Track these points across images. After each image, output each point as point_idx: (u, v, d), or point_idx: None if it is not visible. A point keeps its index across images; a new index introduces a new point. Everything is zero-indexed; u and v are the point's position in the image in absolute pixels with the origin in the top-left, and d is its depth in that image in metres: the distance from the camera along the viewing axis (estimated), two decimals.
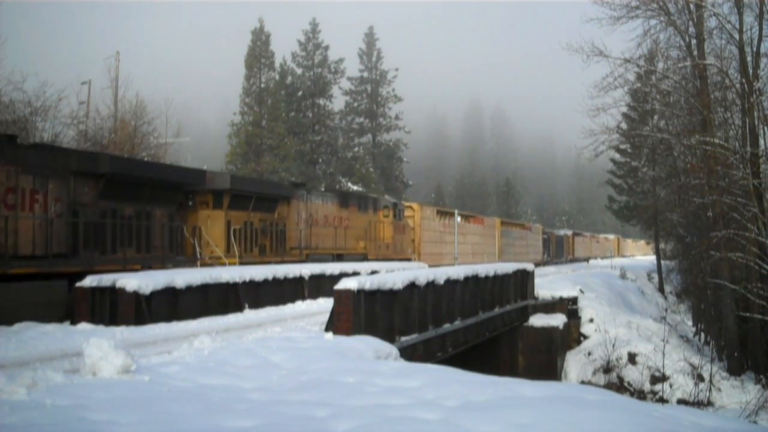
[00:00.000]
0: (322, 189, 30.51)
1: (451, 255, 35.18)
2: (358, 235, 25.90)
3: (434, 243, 33.77)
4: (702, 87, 22.65)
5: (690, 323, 34.21)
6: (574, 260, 64.58)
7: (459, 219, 38.85)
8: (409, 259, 29.00)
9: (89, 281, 12.42)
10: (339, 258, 23.54)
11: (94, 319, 12.21)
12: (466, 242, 38.32)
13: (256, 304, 15.15)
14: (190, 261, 17.49)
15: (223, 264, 17.57)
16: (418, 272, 14.32)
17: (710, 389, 20.37)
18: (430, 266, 22.99)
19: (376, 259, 25.26)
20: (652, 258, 54.37)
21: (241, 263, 18.21)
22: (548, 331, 22.74)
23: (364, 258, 25.07)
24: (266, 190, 21.04)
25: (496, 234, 44.32)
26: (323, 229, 23.66)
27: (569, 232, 69.11)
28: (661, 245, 42.85)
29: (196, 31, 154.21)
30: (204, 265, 17.37)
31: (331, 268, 18.60)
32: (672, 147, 28.73)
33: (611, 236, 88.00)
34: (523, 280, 22.68)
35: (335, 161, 58.20)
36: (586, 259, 68.78)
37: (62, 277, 12.97)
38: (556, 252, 60.53)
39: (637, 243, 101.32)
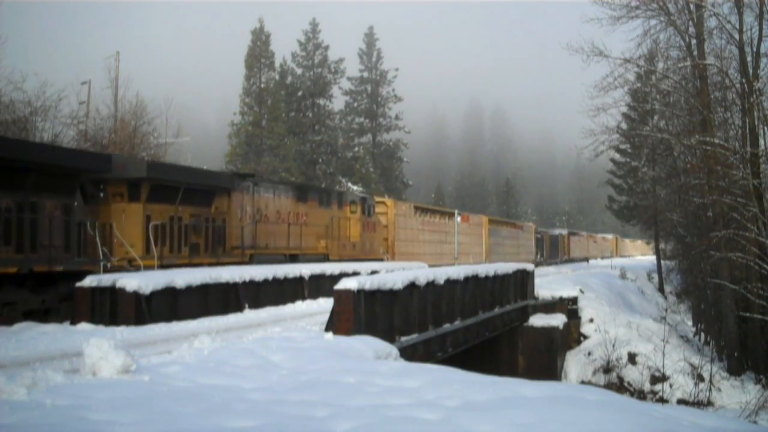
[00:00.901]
0: (275, 180, 26.82)
1: (432, 255, 32.09)
2: (319, 233, 22.82)
3: (411, 242, 30.98)
4: (702, 87, 22.66)
5: (690, 323, 34.21)
6: (569, 261, 62.27)
7: (459, 219, 38.51)
8: (381, 260, 26.04)
9: (89, 281, 12.42)
10: (293, 259, 20.87)
11: (94, 319, 12.21)
12: (447, 241, 35.54)
13: (256, 304, 15.15)
14: (94, 263, 14.40)
15: (138, 267, 14.93)
16: (418, 272, 14.32)
17: (710, 389, 20.38)
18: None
19: (340, 260, 22.58)
20: (652, 258, 54.36)
21: (163, 266, 15.50)
22: (548, 331, 22.74)
23: (324, 259, 22.39)
24: (198, 180, 17.83)
25: (483, 233, 41.97)
26: (275, 226, 20.63)
27: (564, 232, 66.56)
28: (661, 245, 42.85)
29: (196, 31, 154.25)
30: (114, 269, 14.76)
31: (331, 268, 18.60)
32: (672, 147, 28.73)
33: (609, 236, 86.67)
34: (523, 280, 22.68)
35: (335, 161, 58.20)
36: (585, 260, 67.53)
37: None
38: (551, 252, 58.29)
39: (634, 243, 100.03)
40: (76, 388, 6.49)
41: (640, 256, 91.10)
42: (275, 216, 20.85)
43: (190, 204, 17.47)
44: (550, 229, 70.58)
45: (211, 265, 16.88)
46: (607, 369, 22.86)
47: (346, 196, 25.82)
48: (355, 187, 50.32)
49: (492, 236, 42.82)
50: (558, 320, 23.34)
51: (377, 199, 30.25)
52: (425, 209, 34.90)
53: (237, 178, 19.70)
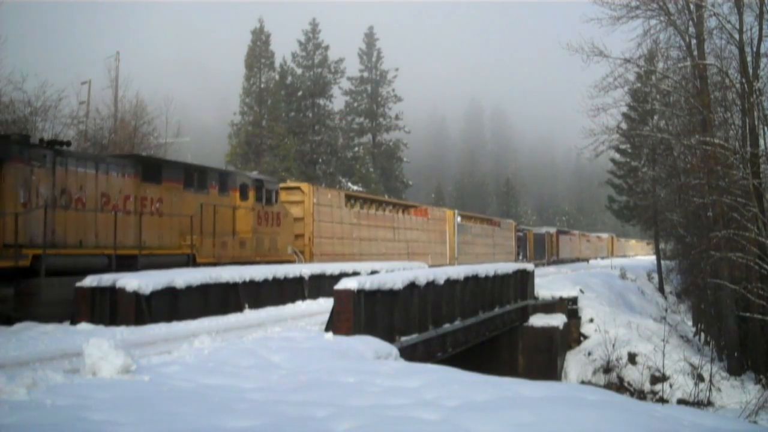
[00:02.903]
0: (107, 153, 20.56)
1: (373, 256, 26.71)
2: (183, 227, 16.77)
3: (341, 240, 24.97)
4: (702, 87, 22.66)
5: (690, 323, 34.21)
6: (558, 262, 56.92)
7: (459, 219, 38.10)
8: (291, 261, 20.86)
9: (89, 281, 12.42)
10: (127, 261, 14.87)
11: (94, 319, 12.21)
12: (396, 240, 29.85)
13: (256, 304, 15.15)
14: None
15: None
16: (418, 272, 14.32)
17: (710, 389, 20.39)
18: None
19: (216, 263, 17.31)
20: (652, 258, 54.38)
21: None
22: (548, 331, 22.75)
23: (188, 262, 16.72)
24: None
25: (448, 230, 36.25)
26: (94, 215, 14.64)
27: (552, 230, 60.93)
28: (661, 245, 42.87)
29: (196, 31, 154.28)
30: None
31: (331, 268, 18.59)
32: (672, 147, 28.75)
33: (604, 235, 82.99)
34: (523, 280, 22.70)
35: (335, 161, 58.21)
36: (576, 260, 64.77)
37: None
38: (536, 253, 52.59)
39: (629, 242, 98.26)
40: (76, 388, 6.50)
41: (639, 256, 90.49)
42: (97, 200, 14.81)
43: None
44: (536, 227, 66.11)
45: None
46: (607, 369, 22.86)
47: (232, 178, 19.40)
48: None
49: (460, 233, 37.64)
50: (558, 320, 23.35)
51: (291, 183, 24.97)
52: (365, 199, 29.37)
53: (16, 143, 13.40)
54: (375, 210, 28.66)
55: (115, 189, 15.26)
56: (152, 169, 16.50)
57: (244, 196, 19.40)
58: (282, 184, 23.37)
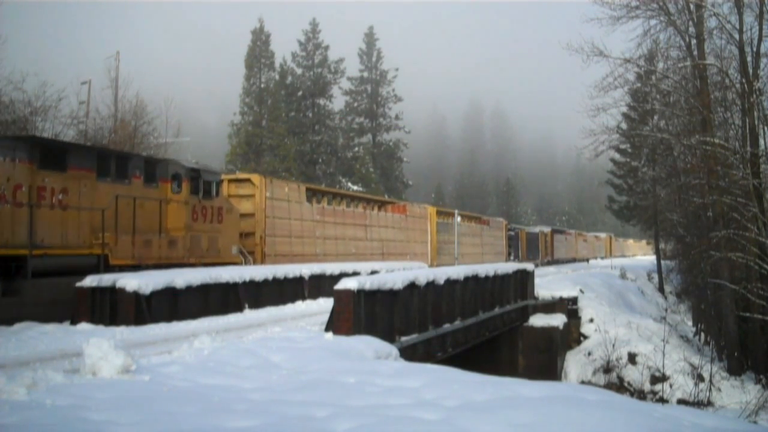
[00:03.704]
0: None
1: (340, 257, 24.26)
2: (94, 222, 14.07)
3: (300, 239, 22.38)
4: (702, 87, 22.67)
5: (690, 323, 34.22)
6: (553, 262, 54.38)
7: (459, 219, 37.92)
8: (236, 263, 18.29)
9: (89, 281, 12.42)
10: (18, 263, 12.52)
11: (94, 319, 12.22)
12: (368, 239, 27.33)
13: (256, 304, 15.16)
14: None
15: None
16: (418, 272, 14.33)
17: (710, 389, 20.39)
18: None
19: (134, 265, 14.83)
20: (652, 258, 54.36)
21: None
22: (548, 331, 22.75)
23: (96, 265, 13.89)
24: None
25: (429, 228, 33.68)
26: None
27: (547, 229, 57.77)
28: (661, 245, 42.88)
29: (196, 31, 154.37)
30: None
31: (331, 268, 18.60)
32: (672, 147, 28.76)
33: (602, 235, 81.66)
34: (523, 280, 22.71)
35: (335, 161, 58.23)
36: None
37: None
38: (529, 253, 50.15)
39: (626, 242, 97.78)
40: (76, 388, 6.50)
41: (638, 255, 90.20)
42: None
43: None
44: (529, 226, 64.58)
45: None
46: (607, 369, 22.86)
47: (162, 166, 16.56)
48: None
49: (442, 232, 35.10)
50: (558, 320, 23.35)
51: (241, 175, 22.11)
52: (334, 194, 26.88)
53: None
54: (344, 206, 26.15)
55: (0, 176, 12.58)
56: (53, 154, 13.74)
57: (176, 187, 16.69)
58: (230, 176, 21.46)
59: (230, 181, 20.71)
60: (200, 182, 17.39)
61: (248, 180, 20.81)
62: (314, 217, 23.44)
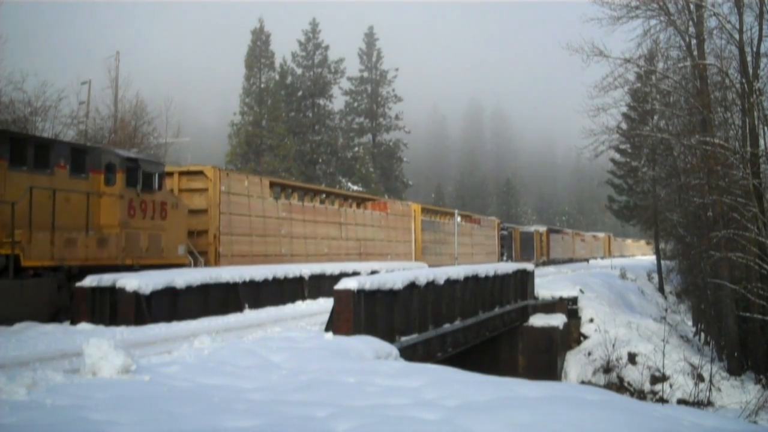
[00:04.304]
0: None
1: (309, 257, 22.37)
2: (2, 219, 12.18)
3: (263, 238, 20.42)
4: (702, 87, 22.67)
5: (690, 323, 34.23)
6: (549, 262, 52.69)
7: (459, 219, 37.80)
8: (183, 264, 16.48)
9: (89, 281, 12.42)
10: None
11: (94, 319, 12.22)
12: (343, 237, 25.33)
13: (256, 304, 15.16)
14: None
15: None
16: (418, 272, 14.33)
17: (710, 389, 20.39)
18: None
19: (55, 266, 13.00)
20: (651, 258, 54.34)
21: None
22: (548, 331, 22.76)
23: (9, 263, 12.04)
24: None
25: (414, 226, 31.73)
26: None
27: (542, 229, 55.65)
28: (661, 245, 42.87)
29: (196, 31, 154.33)
30: None
31: (331, 268, 18.62)
32: (672, 147, 28.76)
33: (600, 234, 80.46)
34: (523, 280, 22.72)
35: (335, 161, 58.22)
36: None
37: None
38: (523, 253, 48.31)
39: (626, 242, 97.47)
40: (76, 388, 6.49)
41: (637, 255, 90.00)
42: None
43: None
44: (524, 225, 63.18)
45: None
46: (607, 369, 22.86)
47: (92, 155, 14.61)
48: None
49: (427, 231, 33.13)
50: (558, 320, 23.36)
51: (193, 167, 19.44)
52: (305, 190, 24.83)
53: None
54: (317, 202, 24.16)
55: None
56: None
57: (110, 179, 14.70)
58: (180, 168, 19.55)
59: (181, 173, 18.77)
60: (139, 173, 15.31)
61: (201, 172, 18.66)
62: (279, 214, 21.44)
